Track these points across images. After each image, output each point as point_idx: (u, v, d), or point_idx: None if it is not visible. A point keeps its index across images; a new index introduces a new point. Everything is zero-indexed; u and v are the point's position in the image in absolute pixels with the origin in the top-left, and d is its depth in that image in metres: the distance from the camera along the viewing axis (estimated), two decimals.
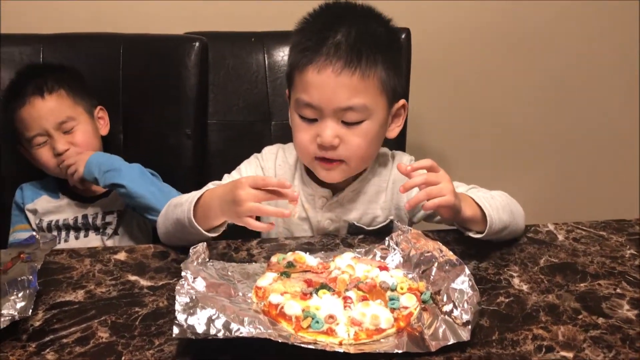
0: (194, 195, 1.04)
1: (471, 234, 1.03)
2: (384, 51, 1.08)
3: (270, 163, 1.22)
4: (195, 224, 1.00)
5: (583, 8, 1.89)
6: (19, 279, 0.83)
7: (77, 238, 1.40)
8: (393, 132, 1.18)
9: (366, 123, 1.09)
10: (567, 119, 2.01)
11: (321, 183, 1.18)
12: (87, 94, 1.43)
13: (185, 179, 1.45)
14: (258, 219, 0.99)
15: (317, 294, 0.83)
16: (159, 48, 1.49)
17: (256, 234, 1.19)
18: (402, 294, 0.84)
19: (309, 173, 1.19)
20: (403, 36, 1.52)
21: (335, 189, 1.18)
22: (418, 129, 1.82)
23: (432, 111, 1.91)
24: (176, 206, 1.06)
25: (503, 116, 1.98)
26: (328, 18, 1.10)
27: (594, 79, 1.97)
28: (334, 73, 1.04)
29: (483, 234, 1.01)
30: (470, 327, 0.77)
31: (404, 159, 1.24)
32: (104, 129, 1.47)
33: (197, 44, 1.45)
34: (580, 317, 0.84)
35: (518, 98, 1.97)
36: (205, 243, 0.92)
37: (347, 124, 1.08)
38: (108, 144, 1.47)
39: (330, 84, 1.05)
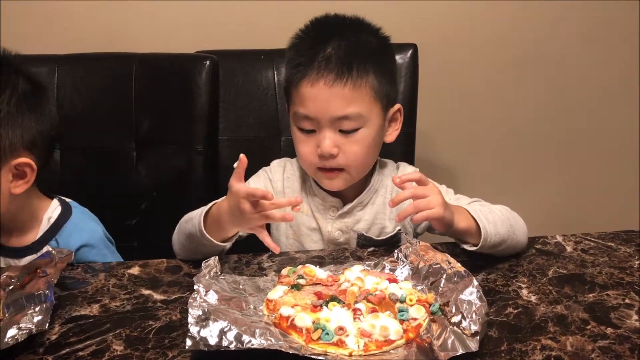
0: (203, 209, 1.06)
1: (466, 247, 1.04)
2: (374, 60, 1.12)
3: (279, 175, 1.25)
4: (208, 236, 1.02)
5: (595, 20, 1.90)
6: (36, 293, 0.86)
7: None
8: (391, 136, 1.21)
9: (362, 130, 1.12)
10: (575, 132, 2.01)
11: (331, 193, 1.20)
12: (14, 139, 1.05)
13: (197, 195, 1.47)
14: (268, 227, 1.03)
15: (327, 306, 0.84)
16: (171, 67, 1.52)
17: (267, 248, 1.21)
18: (411, 305, 0.84)
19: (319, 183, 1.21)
20: (410, 52, 1.54)
21: (345, 200, 1.20)
22: (426, 143, 1.83)
23: (440, 126, 1.92)
24: (187, 222, 1.08)
25: (511, 130, 1.99)
26: (318, 32, 1.15)
27: (602, 92, 1.98)
28: (326, 85, 1.08)
29: (478, 247, 1.02)
30: (478, 337, 0.78)
31: (407, 169, 1.26)
32: (19, 188, 1.07)
33: (207, 62, 1.48)
34: (588, 327, 0.85)
35: (525, 112, 1.98)
36: (217, 257, 0.94)
37: (344, 132, 1.11)
38: (120, 162, 1.49)
39: (323, 95, 1.09)
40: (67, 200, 1.24)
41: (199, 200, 1.33)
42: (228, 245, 1.07)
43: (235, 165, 0.98)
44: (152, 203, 1.49)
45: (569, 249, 1.10)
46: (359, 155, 1.13)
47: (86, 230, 1.20)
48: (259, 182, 1.24)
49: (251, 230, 1.01)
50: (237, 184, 0.98)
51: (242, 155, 0.97)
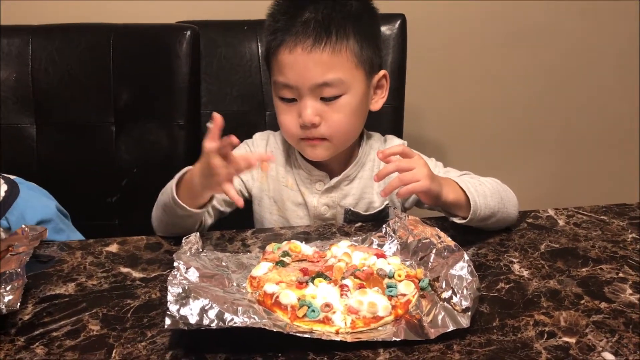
0: (176, 176, 1.03)
1: (456, 220, 1.01)
2: (354, 23, 1.07)
3: (261, 149, 1.21)
4: (180, 202, 0.99)
5: None
6: (7, 272, 0.81)
7: None
8: (377, 104, 1.17)
9: (345, 97, 1.08)
10: (565, 106, 1.99)
11: (317, 166, 1.17)
12: None
13: (179, 170, 1.42)
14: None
15: (313, 282, 0.81)
16: (150, 37, 1.46)
17: (251, 224, 1.17)
18: (400, 281, 0.82)
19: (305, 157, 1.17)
20: (398, 22, 1.50)
21: (331, 173, 1.17)
22: (415, 118, 1.79)
23: (429, 100, 1.89)
24: (162, 193, 1.05)
25: (501, 104, 1.96)
26: None
27: (592, 66, 1.95)
28: (304, 51, 1.04)
29: (467, 219, 0.99)
30: (470, 313, 0.75)
31: (394, 141, 1.23)
32: None
33: (188, 32, 1.42)
34: (582, 302, 0.83)
35: (516, 86, 1.95)
36: (198, 233, 0.90)
37: (326, 100, 1.07)
38: (99, 137, 1.44)
39: (302, 62, 1.05)
40: (12, 177, 1.17)
41: None
42: (202, 212, 1.02)
43: (208, 124, 0.92)
44: (133, 179, 1.45)
45: (561, 222, 1.08)
46: (342, 123, 1.09)
47: (39, 206, 1.15)
48: None
49: (220, 188, 0.94)
50: (209, 144, 0.92)
51: (215, 114, 0.90)
